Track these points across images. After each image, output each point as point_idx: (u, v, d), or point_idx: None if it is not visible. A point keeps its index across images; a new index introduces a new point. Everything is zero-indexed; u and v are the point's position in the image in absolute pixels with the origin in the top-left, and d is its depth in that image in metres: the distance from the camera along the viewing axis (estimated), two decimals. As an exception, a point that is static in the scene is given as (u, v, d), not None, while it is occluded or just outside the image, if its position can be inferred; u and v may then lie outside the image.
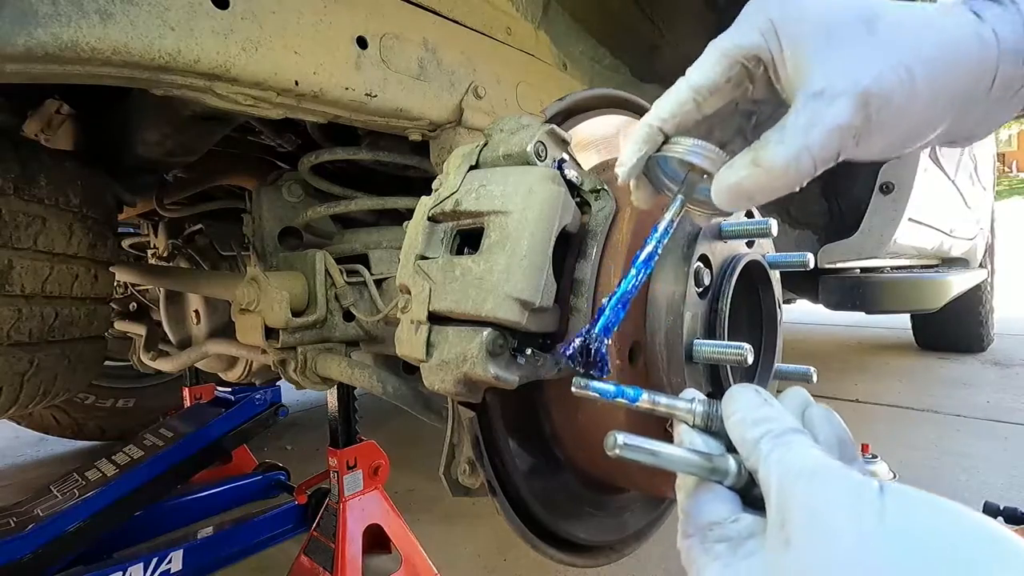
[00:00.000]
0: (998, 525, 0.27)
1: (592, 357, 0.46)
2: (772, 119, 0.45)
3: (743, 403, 0.38)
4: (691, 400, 0.42)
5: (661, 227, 0.48)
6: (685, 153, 0.45)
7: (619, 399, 0.44)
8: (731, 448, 0.38)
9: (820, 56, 0.39)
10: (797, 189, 0.41)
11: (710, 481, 0.38)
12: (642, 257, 0.48)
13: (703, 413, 0.40)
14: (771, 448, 0.34)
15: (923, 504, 0.28)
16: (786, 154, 0.38)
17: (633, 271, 0.48)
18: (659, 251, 0.48)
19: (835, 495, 0.29)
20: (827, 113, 0.38)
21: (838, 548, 0.28)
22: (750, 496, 0.37)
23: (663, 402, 0.43)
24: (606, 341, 0.47)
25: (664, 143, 0.46)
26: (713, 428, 0.40)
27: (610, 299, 0.48)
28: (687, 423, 0.41)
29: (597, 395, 0.45)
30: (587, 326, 0.47)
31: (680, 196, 0.48)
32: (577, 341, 0.47)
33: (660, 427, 0.60)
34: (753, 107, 0.47)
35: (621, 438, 0.38)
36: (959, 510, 0.28)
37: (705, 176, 0.45)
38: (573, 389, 0.48)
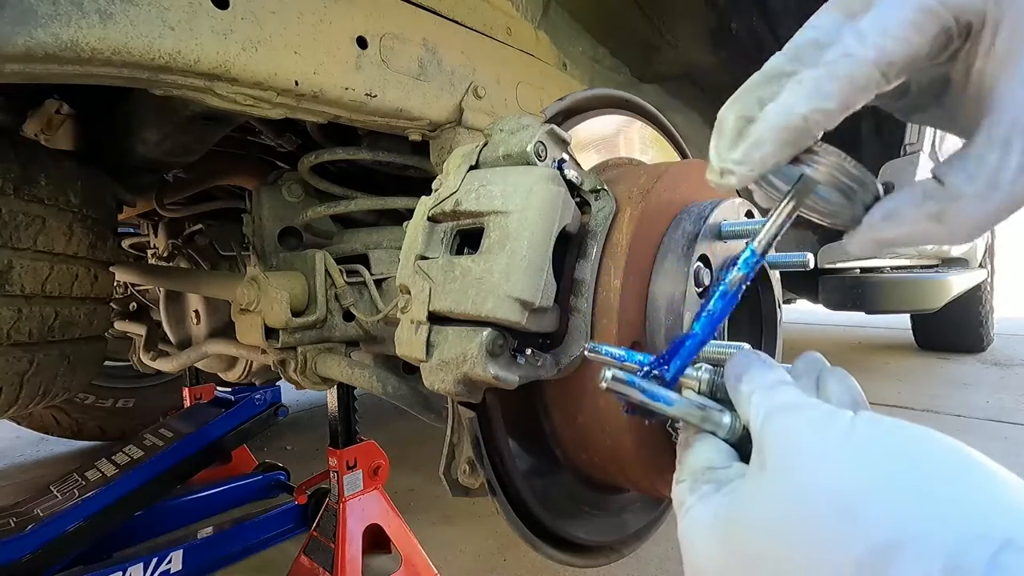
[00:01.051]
0: (962, 446, 0.28)
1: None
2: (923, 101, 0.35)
3: (743, 364, 0.38)
4: (699, 368, 0.42)
5: (761, 244, 0.38)
6: (832, 191, 0.34)
7: (628, 363, 0.42)
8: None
9: None
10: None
11: (706, 432, 0.38)
12: (733, 279, 0.39)
13: (709, 380, 0.41)
14: (761, 398, 0.34)
15: (891, 426, 0.28)
16: (986, 212, 0.28)
17: (718, 301, 0.40)
18: (752, 276, 0.39)
19: (807, 420, 0.30)
20: None
21: (806, 463, 0.28)
22: (745, 452, 0.37)
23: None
24: (674, 384, 0.40)
25: (808, 150, 0.33)
26: (718, 396, 0.40)
27: (691, 338, 0.40)
28: (693, 390, 0.41)
29: (608, 358, 0.43)
30: (654, 358, 0.41)
31: (790, 201, 0.36)
32: (606, 376, 0.40)
33: (664, 433, 0.60)
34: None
35: (610, 373, 0.39)
36: (925, 431, 0.28)
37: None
38: (587, 354, 0.46)
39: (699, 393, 0.41)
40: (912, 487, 0.25)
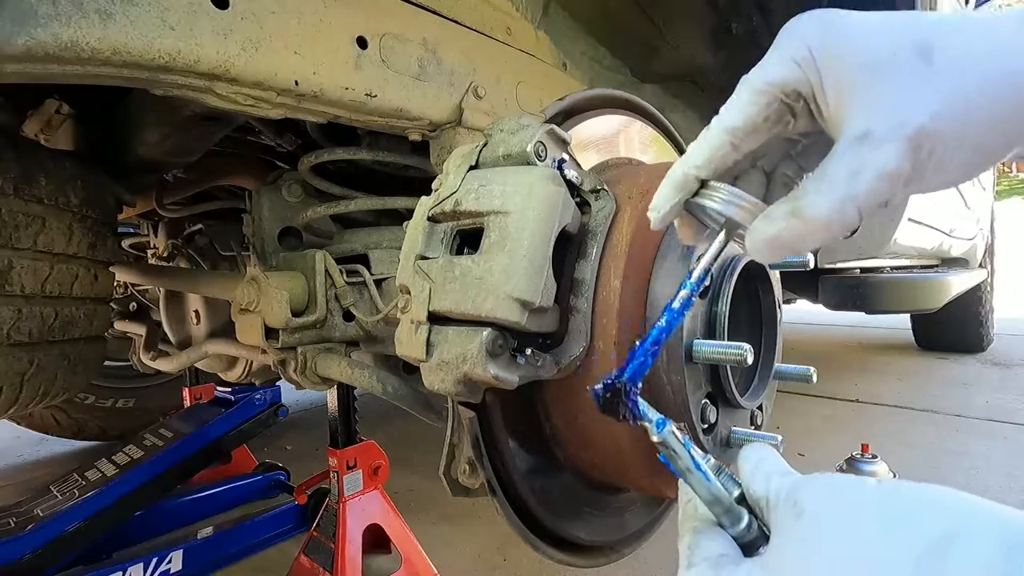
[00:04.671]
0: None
1: (620, 405, 0.42)
2: (819, 145, 0.42)
3: (761, 450, 0.39)
4: (706, 459, 0.40)
5: (696, 272, 0.44)
6: (720, 206, 0.42)
7: (644, 422, 0.42)
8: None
9: (865, 93, 0.35)
10: (843, 238, 0.38)
11: (717, 525, 0.38)
12: (676, 302, 0.43)
13: (714, 466, 0.40)
14: (782, 475, 0.36)
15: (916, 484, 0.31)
16: (828, 205, 0.35)
17: (664, 318, 0.43)
18: (695, 297, 0.44)
19: (842, 480, 0.32)
20: (872, 159, 0.34)
21: (847, 508, 0.30)
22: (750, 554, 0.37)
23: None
24: (636, 388, 0.42)
25: (700, 187, 0.43)
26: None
27: (641, 344, 0.43)
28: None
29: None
30: (615, 371, 0.43)
31: (719, 238, 0.44)
32: (602, 386, 0.43)
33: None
34: (799, 137, 0.43)
35: (668, 427, 0.39)
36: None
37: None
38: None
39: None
40: (956, 504, 0.28)
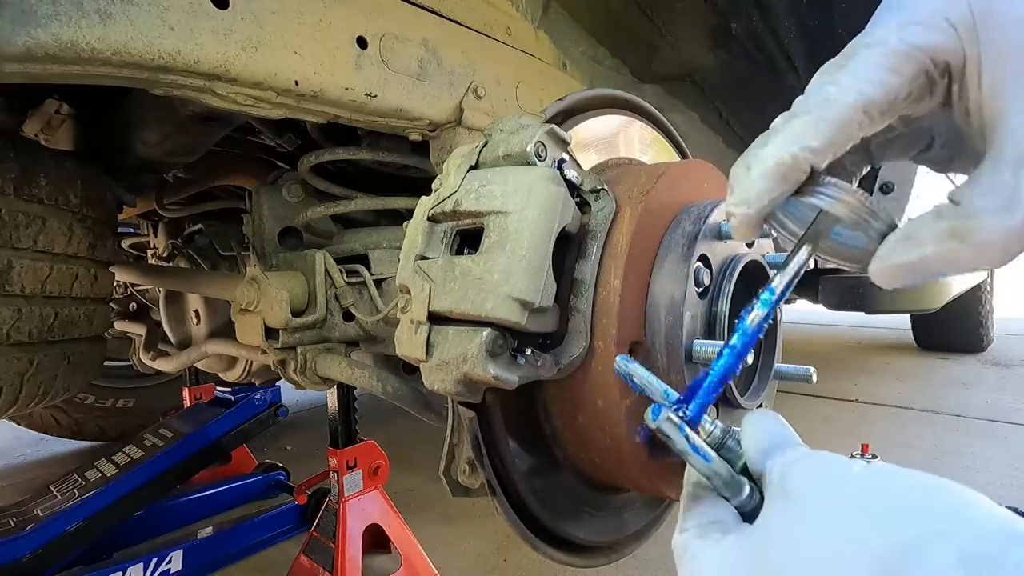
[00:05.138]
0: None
1: (676, 443, 0.38)
2: (912, 136, 0.36)
3: (765, 421, 0.38)
4: (713, 424, 0.41)
5: (780, 286, 0.38)
6: (848, 213, 0.33)
7: (654, 388, 0.41)
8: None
9: None
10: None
11: (718, 494, 0.38)
12: (750, 321, 0.38)
13: (718, 437, 0.40)
14: (784, 450, 0.35)
15: (902, 469, 0.30)
16: (1010, 227, 0.28)
17: (737, 340, 0.39)
18: (772, 317, 0.39)
19: (831, 460, 0.32)
20: None
21: (828, 490, 0.30)
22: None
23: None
24: (697, 427, 0.39)
25: (806, 182, 0.35)
26: (723, 454, 0.39)
27: (708, 375, 0.39)
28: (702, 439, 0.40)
29: (638, 377, 0.42)
30: (678, 398, 0.39)
31: (807, 246, 0.37)
32: (661, 415, 0.38)
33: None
34: (897, 123, 0.35)
35: (664, 414, 0.38)
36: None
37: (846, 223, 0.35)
38: (617, 368, 0.43)
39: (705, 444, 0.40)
40: (934, 501, 0.27)
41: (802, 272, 0.38)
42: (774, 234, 0.40)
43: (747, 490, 0.37)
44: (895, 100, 0.31)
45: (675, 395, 0.40)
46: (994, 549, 0.24)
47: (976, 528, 0.25)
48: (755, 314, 0.38)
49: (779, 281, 0.38)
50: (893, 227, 0.34)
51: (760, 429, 0.37)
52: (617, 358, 0.42)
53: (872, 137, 0.35)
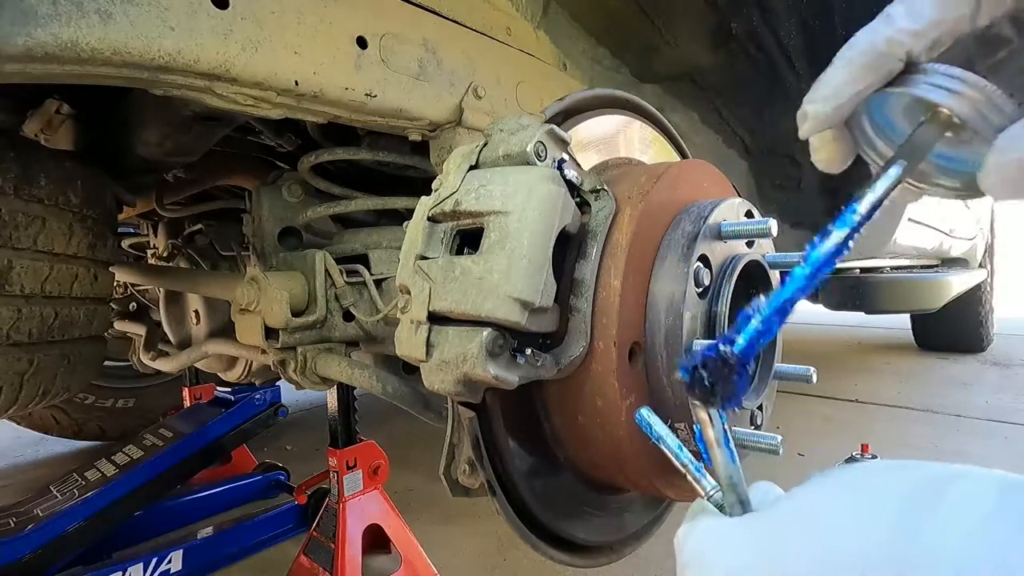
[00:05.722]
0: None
1: (720, 385, 0.32)
2: (1018, 61, 0.30)
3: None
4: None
5: (864, 207, 0.30)
6: (965, 108, 0.26)
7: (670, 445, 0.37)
8: None
9: None
10: None
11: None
12: (823, 248, 0.31)
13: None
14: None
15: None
16: None
17: (805, 268, 0.32)
18: (849, 246, 0.31)
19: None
20: None
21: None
22: None
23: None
24: (749, 365, 0.33)
25: (903, 73, 0.28)
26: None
27: (769, 301, 0.33)
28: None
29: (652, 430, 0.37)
30: (724, 335, 0.33)
31: (899, 162, 0.30)
32: (706, 354, 0.32)
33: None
34: (999, 41, 0.29)
35: (645, 412, 0.37)
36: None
37: (952, 133, 0.28)
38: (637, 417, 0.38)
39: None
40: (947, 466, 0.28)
41: (890, 194, 0.30)
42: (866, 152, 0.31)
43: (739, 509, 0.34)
44: None
45: (689, 455, 0.36)
46: None
47: (1005, 474, 0.25)
48: (835, 236, 0.31)
49: (864, 203, 0.30)
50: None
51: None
52: (641, 409, 0.37)
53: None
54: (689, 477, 0.35)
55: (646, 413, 0.37)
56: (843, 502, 0.26)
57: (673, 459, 0.35)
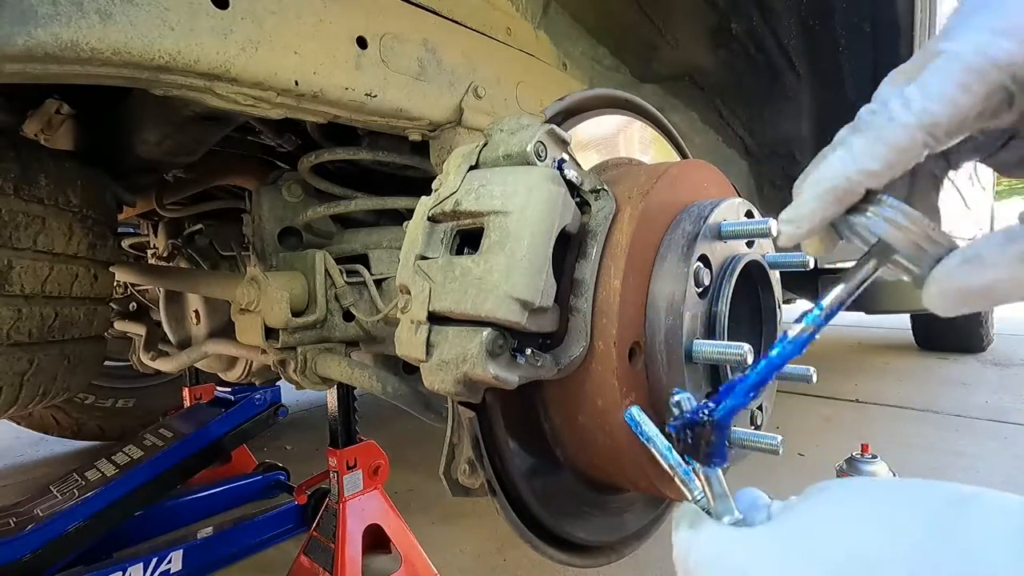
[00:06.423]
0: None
1: (702, 444, 0.36)
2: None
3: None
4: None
5: (828, 301, 0.36)
6: (891, 232, 0.32)
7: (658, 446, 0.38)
8: None
9: None
10: None
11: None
12: (793, 334, 0.37)
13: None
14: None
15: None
16: None
17: (777, 350, 0.37)
18: (817, 335, 0.37)
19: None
20: None
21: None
22: None
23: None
24: (727, 431, 0.37)
25: (862, 201, 0.33)
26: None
27: (742, 380, 0.38)
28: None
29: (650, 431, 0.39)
30: (704, 403, 0.37)
31: (869, 265, 0.35)
32: (681, 422, 0.37)
33: None
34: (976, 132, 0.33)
35: (635, 411, 0.38)
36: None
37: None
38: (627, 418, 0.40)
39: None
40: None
41: (863, 287, 0.35)
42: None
43: (728, 518, 0.35)
44: (964, 118, 0.29)
45: (677, 457, 0.37)
46: None
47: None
48: (799, 329, 0.36)
49: (834, 295, 0.36)
50: (952, 250, 0.32)
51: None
52: (632, 408, 0.40)
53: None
54: (676, 480, 0.36)
55: (636, 412, 0.38)
56: (866, 508, 0.27)
57: (661, 460, 0.37)
